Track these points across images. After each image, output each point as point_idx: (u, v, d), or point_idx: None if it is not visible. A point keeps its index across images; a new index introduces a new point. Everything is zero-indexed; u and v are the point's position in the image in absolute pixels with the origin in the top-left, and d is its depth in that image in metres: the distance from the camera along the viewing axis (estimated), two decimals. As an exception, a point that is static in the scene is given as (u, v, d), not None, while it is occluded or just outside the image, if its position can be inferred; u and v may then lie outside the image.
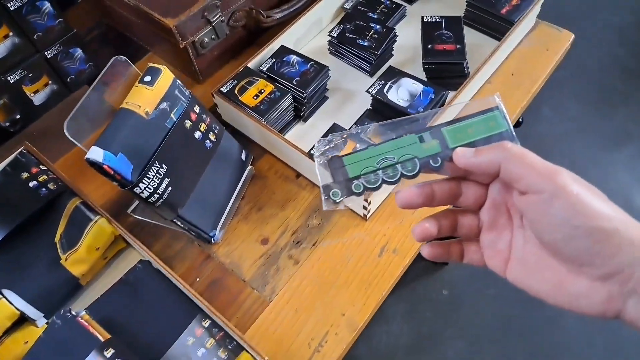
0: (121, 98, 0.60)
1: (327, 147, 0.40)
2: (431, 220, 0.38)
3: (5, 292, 0.60)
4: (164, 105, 0.60)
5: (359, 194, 0.38)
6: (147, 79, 0.60)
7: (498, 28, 0.87)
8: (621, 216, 0.31)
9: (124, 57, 0.60)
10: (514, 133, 0.37)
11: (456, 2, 0.93)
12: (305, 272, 0.68)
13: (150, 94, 0.59)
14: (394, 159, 0.38)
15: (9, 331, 0.60)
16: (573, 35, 0.91)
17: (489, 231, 0.38)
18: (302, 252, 0.70)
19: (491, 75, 0.86)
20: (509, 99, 0.83)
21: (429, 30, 0.83)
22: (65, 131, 0.53)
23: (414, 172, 0.37)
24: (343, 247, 0.70)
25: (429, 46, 0.81)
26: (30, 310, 0.60)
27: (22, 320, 0.61)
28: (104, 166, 0.54)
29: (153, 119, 0.59)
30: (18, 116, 0.80)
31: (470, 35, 0.88)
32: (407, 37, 0.89)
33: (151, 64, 0.61)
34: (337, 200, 0.38)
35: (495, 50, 0.80)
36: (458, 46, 0.80)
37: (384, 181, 0.38)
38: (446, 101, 0.77)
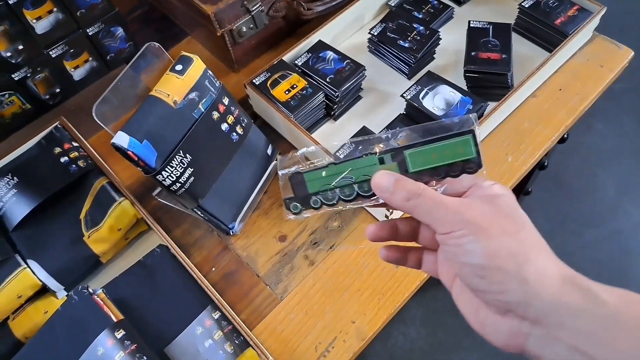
0: (152, 84, 0.60)
1: (291, 161, 0.41)
2: (385, 225, 0.39)
3: (30, 262, 0.62)
4: (192, 95, 0.60)
5: (316, 209, 0.40)
6: (179, 67, 0.60)
7: (550, 39, 0.82)
8: (521, 254, 0.31)
9: (157, 44, 0.60)
10: (481, 160, 0.36)
11: (509, 7, 0.89)
12: (319, 275, 0.68)
13: (180, 83, 0.59)
14: (352, 178, 0.38)
15: (30, 299, 0.62)
16: (632, 53, 0.85)
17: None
18: (318, 253, 0.69)
19: (537, 88, 0.82)
20: (552, 116, 0.79)
21: (475, 36, 0.79)
22: (93, 114, 0.54)
23: (369, 194, 0.38)
24: (360, 254, 0.69)
25: (473, 53, 0.77)
26: (52, 282, 0.62)
27: (44, 291, 0.63)
28: (129, 152, 0.55)
29: (180, 109, 0.59)
30: (58, 90, 0.82)
31: (520, 44, 0.84)
32: (452, 41, 0.86)
33: (184, 53, 0.61)
34: (296, 212, 0.40)
35: (543, 63, 0.76)
36: (504, 56, 0.76)
37: (340, 199, 0.39)
38: (484, 113, 0.74)
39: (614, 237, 1.60)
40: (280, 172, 0.41)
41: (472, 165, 0.36)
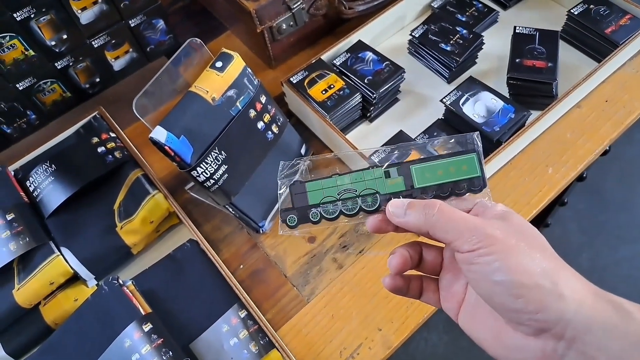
0: (192, 79, 0.60)
1: (292, 170, 0.39)
2: (405, 250, 0.38)
3: (63, 249, 0.63)
4: (231, 92, 0.60)
5: (315, 223, 0.37)
6: (218, 64, 0.59)
7: (599, 48, 0.79)
8: (551, 270, 0.30)
9: (198, 40, 0.60)
10: (486, 180, 0.36)
11: (556, 13, 0.85)
12: (348, 279, 0.67)
13: (219, 80, 0.59)
14: (356, 191, 0.37)
15: (62, 287, 0.63)
16: (685, 65, 0.81)
17: (447, 273, 0.37)
18: (347, 257, 0.69)
19: (582, 98, 0.79)
20: (597, 129, 0.76)
21: (520, 42, 0.77)
22: (133, 108, 0.54)
23: (373, 208, 0.37)
24: (390, 260, 0.68)
25: (517, 60, 0.75)
26: (83, 271, 0.63)
27: (75, 279, 0.64)
28: (166, 147, 0.55)
29: (218, 106, 0.59)
30: (98, 79, 0.84)
31: (566, 52, 0.81)
32: (495, 45, 0.83)
33: (224, 50, 0.61)
34: (292, 225, 0.37)
35: (591, 73, 0.73)
36: (549, 64, 0.73)
37: (342, 212, 0.37)
38: (526, 123, 0.71)
39: (650, 254, 1.54)
40: (280, 181, 0.39)
41: (476, 184, 0.36)
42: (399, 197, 0.36)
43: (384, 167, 0.37)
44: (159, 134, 0.54)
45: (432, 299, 0.38)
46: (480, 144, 0.37)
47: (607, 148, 0.92)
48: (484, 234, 0.31)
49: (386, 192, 0.37)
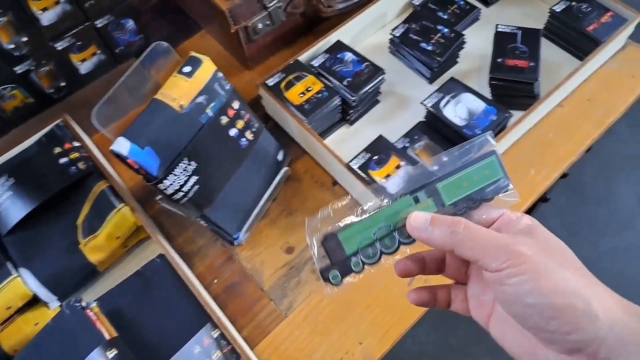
0: (159, 85, 0.56)
1: (319, 223, 0.37)
2: (414, 258, 0.37)
3: (22, 270, 0.59)
4: (200, 99, 0.56)
5: (358, 272, 0.36)
6: (187, 69, 0.56)
7: (581, 47, 0.77)
8: (583, 289, 0.29)
9: (165, 43, 0.56)
10: (508, 179, 0.35)
11: (538, 10, 0.83)
12: (328, 291, 0.64)
13: (187, 85, 0.55)
14: (390, 226, 0.35)
15: (21, 310, 0.59)
16: (668, 63, 0.80)
17: (475, 282, 0.36)
18: (378, 267, 0.65)
19: (565, 98, 0.77)
20: (578, 128, 0.74)
21: (502, 41, 0.74)
22: (92, 119, 0.50)
23: (411, 239, 0.35)
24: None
25: (499, 60, 0.72)
26: (43, 293, 0.59)
27: (35, 301, 0.60)
28: (128, 160, 0.51)
29: (187, 113, 0.56)
30: (63, 84, 0.79)
31: (549, 51, 0.79)
32: (477, 44, 0.81)
33: (193, 54, 0.57)
34: (337, 283, 0.36)
35: (573, 72, 0.71)
36: (532, 64, 0.71)
37: (382, 252, 0.36)
38: (507, 124, 0.69)
39: (631, 248, 1.55)
40: (310, 238, 0.37)
41: (502, 186, 0.35)
42: None
43: (411, 194, 0.36)
44: (121, 146, 0.51)
45: (461, 307, 0.37)
46: (494, 142, 0.36)
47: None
48: (512, 252, 0.30)
49: None
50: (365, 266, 0.36)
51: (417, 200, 0.36)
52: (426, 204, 0.35)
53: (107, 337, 0.53)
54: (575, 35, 0.77)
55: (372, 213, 0.36)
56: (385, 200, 0.36)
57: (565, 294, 0.29)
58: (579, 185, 1.66)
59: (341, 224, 0.36)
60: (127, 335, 0.56)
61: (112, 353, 0.51)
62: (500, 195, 0.35)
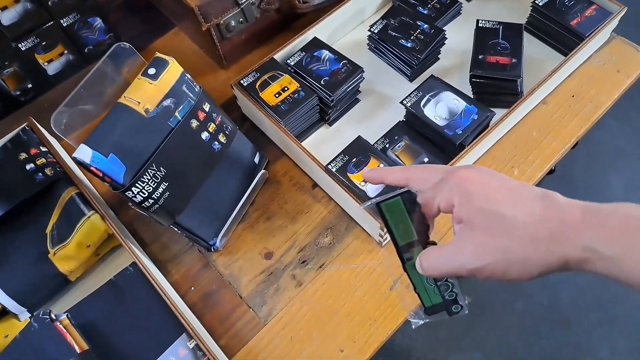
0: (122, 89, 0.54)
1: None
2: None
3: (-12, 282, 0.57)
4: (167, 102, 0.54)
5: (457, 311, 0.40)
6: (151, 71, 0.53)
7: (565, 41, 0.75)
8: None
9: (128, 44, 0.54)
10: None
11: (521, 4, 0.81)
12: (307, 297, 0.62)
13: (152, 89, 0.53)
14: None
15: (-12, 323, 0.57)
16: (652, 57, 0.78)
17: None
18: (307, 273, 0.64)
19: (548, 94, 0.76)
20: (563, 126, 0.73)
21: (483, 37, 0.73)
22: (52, 124, 0.48)
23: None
24: (352, 275, 0.63)
25: (480, 57, 0.70)
26: (12, 305, 0.57)
27: (4, 313, 0.58)
28: (92, 168, 0.49)
29: (153, 117, 0.53)
30: (29, 85, 0.76)
31: (531, 46, 0.77)
32: (459, 40, 0.79)
33: (158, 55, 0.55)
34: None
35: (557, 68, 0.69)
36: (513, 60, 0.70)
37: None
38: (490, 123, 0.67)
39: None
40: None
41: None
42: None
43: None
44: (83, 153, 0.48)
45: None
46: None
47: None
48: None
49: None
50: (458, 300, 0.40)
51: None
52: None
53: (78, 350, 0.51)
54: (559, 29, 0.75)
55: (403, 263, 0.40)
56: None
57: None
58: (568, 178, 1.65)
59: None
60: (99, 348, 0.54)
61: (81, 369, 0.49)
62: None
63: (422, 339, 1.44)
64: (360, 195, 0.60)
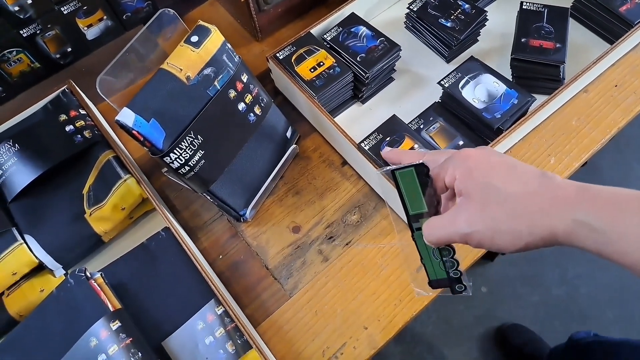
0: (165, 55, 0.54)
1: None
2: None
3: (28, 237, 0.58)
4: (208, 70, 0.54)
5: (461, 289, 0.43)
6: (194, 39, 0.53)
7: (612, 28, 0.73)
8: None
9: (172, 11, 0.54)
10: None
11: (567, -12, 0.79)
12: (333, 273, 0.63)
13: (194, 57, 0.53)
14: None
15: (26, 276, 0.59)
16: (702, 49, 0.75)
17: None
18: (333, 249, 0.64)
19: (590, 82, 0.73)
20: (604, 116, 0.71)
21: (527, 20, 0.71)
22: (97, 87, 0.48)
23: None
24: (379, 254, 0.64)
25: (523, 40, 0.69)
26: (49, 260, 0.58)
27: (40, 268, 0.60)
28: (134, 131, 0.50)
29: (194, 85, 0.53)
30: (69, 49, 0.77)
31: (576, 32, 0.75)
32: (499, 22, 0.77)
33: (201, 22, 0.55)
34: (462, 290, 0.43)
35: (602, 55, 0.67)
36: (558, 45, 0.68)
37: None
38: (529, 109, 0.66)
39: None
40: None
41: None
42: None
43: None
44: (126, 117, 0.49)
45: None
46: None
47: (612, 134, 0.88)
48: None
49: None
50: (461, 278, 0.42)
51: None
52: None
53: (111, 308, 0.52)
54: (606, 15, 0.73)
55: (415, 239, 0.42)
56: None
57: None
58: (595, 169, 1.62)
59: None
60: (130, 308, 0.55)
61: (115, 325, 0.51)
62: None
63: (432, 326, 1.44)
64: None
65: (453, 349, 1.39)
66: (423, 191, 0.41)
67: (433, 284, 0.43)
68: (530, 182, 0.35)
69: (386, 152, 0.46)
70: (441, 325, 1.43)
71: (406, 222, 0.42)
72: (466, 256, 0.62)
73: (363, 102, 0.73)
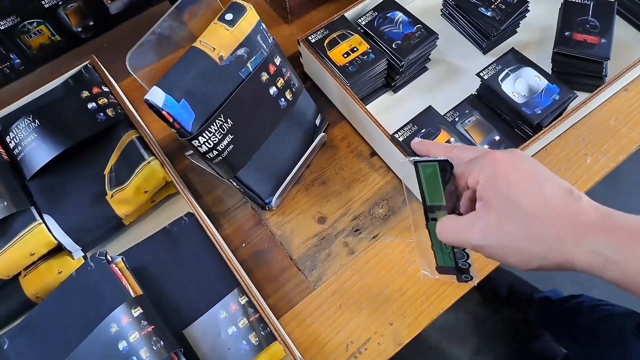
0: (197, 32, 0.52)
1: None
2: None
3: (46, 217, 0.57)
4: (241, 51, 0.52)
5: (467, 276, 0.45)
6: (229, 17, 0.51)
7: (658, 25, 0.70)
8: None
9: (206, -14, 0.51)
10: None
11: (612, -20, 0.75)
12: (359, 266, 0.61)
13: (228, 36, 0.50)
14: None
15: (44, 257, 0.57)
16: None
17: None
18: (359, 242, 0.62)
19: (631, 81, 0.70)
20: (646, 117, 0.68)
21: (571, 12, 0.67)
22: (127, 63, 0.46)
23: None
24: (406, 249, 0.62)
25: (567, 33, 0.66)
26: (68, 242, 0.57)
27: (59, 249, 0.58)
28: (163, 112, 0.47)
29: (226, 66, 0.51)
30: (91, 23, 0.75)
31: (620, 28, 0.72)
32: (540, 14, 0.74)
33: None
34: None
35: (648, 53, 0.64)
36: (603, 40, 0.65)
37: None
38: (569, 106, 0.63)
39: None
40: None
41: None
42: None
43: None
44: (156, 96, 0.47)
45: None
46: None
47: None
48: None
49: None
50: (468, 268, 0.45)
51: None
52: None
53: (133, 294, 0.51)
54: (652, 11, 0.70)
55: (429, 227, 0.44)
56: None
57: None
58: (615, 170, 1.59)
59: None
60: (151, 294, 0.53)
61: (137, 311, 0.49)
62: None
63: (440, 320, 1.43)
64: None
65: (460, 349, 1.38)
66: (444, 186, 0.40)
67: (440, 269, 0.45)
68: (553, 203, 0.33)
69: (415, 142, 0.46)
70: (450, 322, 1.42)
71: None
72: (481, 269, 0.60)
73: (395, 91, 0.71)
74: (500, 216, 0.34)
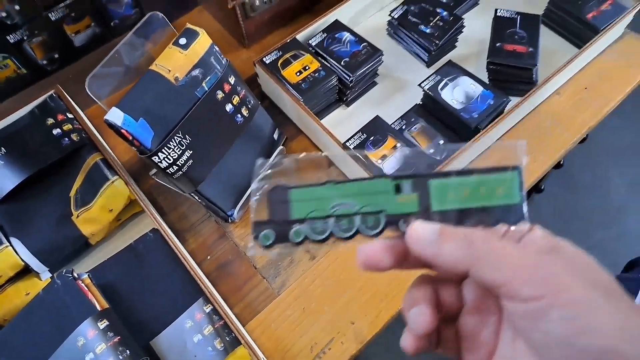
0: (153, 57, 0.55)
1: (272, 170, 0.30)
2: (391, 248, 0.27)
3: (13, 240, 0.58)
4: (196, 72, 0.56)
5: (296, 244, 0.29)
6: (182, 41, 0.55)
7: (580, 34, 0.77)
8: (630, 327, 0.23)
9: (160, 14, 0.55)
10: (525, 209, 0.27)
11: (539, -3, 0.83)
12: (320, 271, 0.64)
13: (182, 58, 0.55)
14: (355, 206, 0.29)
15: (12, 280, 0.59)
16: (665, 54, 0.80)
17: (470, 315, 0.28)
18: (320, 248, 0.65)
19: (561, 85, 0.77)
20: (575, 117, 0.74)
21: (501, 26, 0.74)
22: (86, 86, 0.49)
23: (375, 232, 0.28)
24: (364, 251, 0.65)
25: (498, 44, 0.72)
26: (35, 263, 0.58)
27: (26, 271, 0.60)
28: (122, 130, 0.51)
29: (182, 86, 0.55)
30: (56, 55, 0.78)
31: (547, 38, 0.79)
32: (476, 29, 0.80)
33: (189, 25, 0.56)
34: (267, 245, 0.29)
35: (571, 59, 0.71)
36: (530, 49, 0.71)
37: (332, 234, 0.29)
38: (505, 110, 0.69)
39: (621, 239, 1.56)
40: (255, 183, 0.29)
41: (513, 215, 0.27)
42: (408, 222, 0.27)
43: (393, 177, 0.28)
44: (115, 116, 0.50)
45: (452, 348, 0.29)
46: (525, 159, 0.28)
47: (585, 136, 0.91)
48: (548, 276, 0.23)
49: (394, 212, 0.28)
50: (305, 241, 0.29)
51: (398, 189, 0.28)
52: (407, 199, 0.28)
53: (99, 308, 0.53)
54: (574, 22, 0.77)
55: (338, 182, 0.29)
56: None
57: (613, 335, 0.22)
58: (572, 174, 1.67)
59: (299, 181, 0.30)
60: (118, 308, 0.55)
61: (103, 324, 0.51)
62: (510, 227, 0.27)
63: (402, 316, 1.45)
64: (376, 173, 0.62)
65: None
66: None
67: None
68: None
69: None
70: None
71: None
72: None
73: (347, 105, 0.75)
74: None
